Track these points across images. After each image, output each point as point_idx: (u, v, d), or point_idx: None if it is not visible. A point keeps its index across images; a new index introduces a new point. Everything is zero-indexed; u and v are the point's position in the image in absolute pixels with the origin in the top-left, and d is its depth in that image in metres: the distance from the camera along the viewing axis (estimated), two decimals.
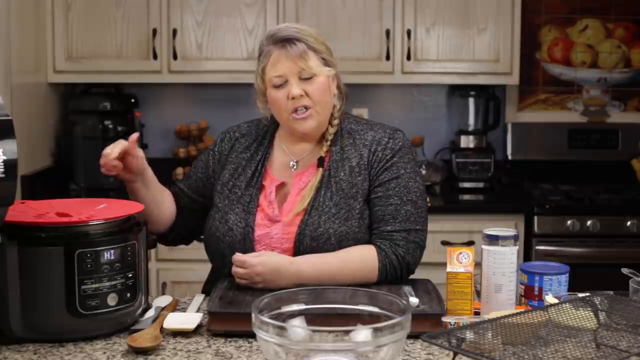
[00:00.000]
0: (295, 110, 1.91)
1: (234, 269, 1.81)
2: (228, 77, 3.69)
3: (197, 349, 1.57)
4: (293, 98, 1.89)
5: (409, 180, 1.94)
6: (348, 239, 1.89)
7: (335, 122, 1.99)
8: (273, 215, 1.93)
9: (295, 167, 1.99)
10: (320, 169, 1.95)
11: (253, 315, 1.35)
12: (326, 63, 1.94)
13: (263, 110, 2.01)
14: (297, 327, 1.38)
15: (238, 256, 1.81)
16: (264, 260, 1.80)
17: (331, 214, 1.90)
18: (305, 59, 1.90)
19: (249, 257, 1.80)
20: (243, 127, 2.10)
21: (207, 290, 1.99)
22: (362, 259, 1.86)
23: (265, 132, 2.06)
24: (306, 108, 1.91)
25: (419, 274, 1.96)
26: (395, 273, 1.87)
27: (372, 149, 1.95)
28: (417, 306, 1.66)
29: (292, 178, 1.98)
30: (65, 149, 3.74)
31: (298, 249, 1.89)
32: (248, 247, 1.91)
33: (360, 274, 1.84)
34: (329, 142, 1.97)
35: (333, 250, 1.88)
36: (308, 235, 1.89)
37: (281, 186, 1.98)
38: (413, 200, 1.92)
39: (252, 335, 1.42)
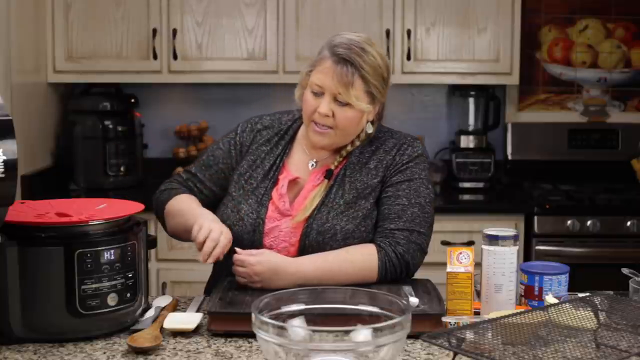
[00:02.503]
0: (316, 122, 1.91)
1: (234, 267, 1.81)
2: (228, 77, 3.69)
3: (197, 349, 1.57)
4: (319, 113, 1.89)
5: (421, 185, 1.94)
6: (354, 237, 1.89)
7: (358, 142, 1.98)
8: (284, 209, 1.93)
9: (314, 166, 1.99)
10: (326, 180, 1.95)
11: (253, 315, 1.35)
12: (371, 96, 1.90)
13: (298, 100, 1.99)
14: (297, 327, 1.38)
15: (238, 255, 1.81)
16: (263, 260, 1.80)
17: (340, 211, 1.90)
18: (347, 87, 1.85)
19: (248, 257, 1.80)
20: (265, 120, 2.07)
21: (209, 289, 2.00)
22: (362, 257, 1.86)
23: (289, 127, 2.05)
24: (327, 127, 1.90)
25: (418, 273, 1.96)
26: (395, 271, 1.87)
27: (392, 155, 1.96)
28: (417, 306, 1.66)
29: (309, 174, 1.98)
30: (65, 149, 3.74)
31: (304, 243, 1.89)
32: (257, 238, 1.91)
33: (361, 273, 1.84)
34: (341, 158, 1.97)
35: (337, 246, 1.88)
36: (315, 230, 1.89)
37: (294, 181, 1.97)
38: (421, 204, 1.92)
39: (252, 335, 1.42)
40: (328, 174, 1.95)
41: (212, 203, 2.04)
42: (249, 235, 1.91)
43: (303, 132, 2.02)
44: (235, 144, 2.05)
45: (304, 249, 1.90)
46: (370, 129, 1.96)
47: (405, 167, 1.95)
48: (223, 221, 1.95)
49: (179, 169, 3.79)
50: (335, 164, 1.97)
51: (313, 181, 1.97)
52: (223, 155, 2.05)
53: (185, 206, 1.96)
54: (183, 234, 1.95)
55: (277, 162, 2.00)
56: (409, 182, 1.94)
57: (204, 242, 1.76)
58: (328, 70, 1.87)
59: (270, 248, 1.91)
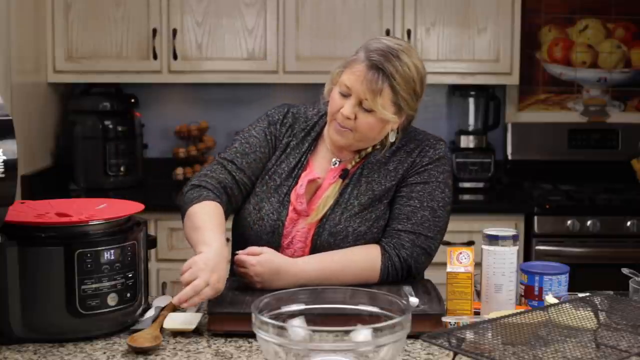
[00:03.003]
0: (337, 121, 1.88)
1: (235, 267, 1.81)
2: (228, 77, 3.69)
3: (197, 349, 1.57)
4: (341, 113, 1.86)
5: (436, 188, 1.91)
6: (365, 239, 1.89)
7: (379, 147, 1.94)
8: (301, 210, 1.92)
9: (336, 164, 1.97)
10: (341, 180, 1.93)
11: (253, 315, 1.35)
12: (398, 107, 1.86)
13: (326, 95, 1.96)
14: (297, 327, 1.38)
15: (239, 256, 1.80)
16: (263, 260, 1.79)
17: (353, 212, 1.89)
18: (374, 95, 1.82)
19: (248, 257, 1.79)
20: (294, 112, 2.03)
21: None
22: (366, 259, 1.85)
23: (315, 123, 2.01)
24: (347, 128, 1.87)
25: None
26: (397, 274, 1.86)
27: (412, 157, 1.93)
28: (417, 306, 1.66)
29: (327, 172, 1.96)
30: (65, 149, 3.74)
31: (315, 243, 1.89)
32: (275, 240, 1.90)
33: (363, 274, 1.84)
34: (360, 159, 1.95)
35: (348, 247, 1.87)
36: (327, 230, 1.88)
37: (314, 180, 1.95)
38: (433, 208, 1.90)
39: (252, 335, 1.42)
40: (344, 174, 1.94)
41: (244, 196, 1.97)
42: (267, 236, 1.90)
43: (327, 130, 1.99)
44: (270, 134, 2.00)
45: (314, 249, 1.89)
46: (393, 138, 1.92)
47: (424, 170, 1.92)
48: (244, 217, 1.94)
49: (179, 170, 3.80)
50: (353, 163, 1.95)
51: (329, 179, 1.95)
52: (259, 143, 1.99)
53: (203, 222, 1.81)
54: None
55: (302, 159, 1.97)
56: (424, 185, 1.91)
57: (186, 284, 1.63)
58: (359, 74, 1.83)
59: (287, 248, 1.90)
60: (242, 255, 1.80)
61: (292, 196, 1.93)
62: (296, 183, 1.95)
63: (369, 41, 1.90)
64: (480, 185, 3.80)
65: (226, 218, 1.92)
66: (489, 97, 3.91)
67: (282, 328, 1.33)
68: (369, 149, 1.96)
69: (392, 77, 1.83)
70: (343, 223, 1.89)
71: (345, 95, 1.86)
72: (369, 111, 1.85)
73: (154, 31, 3.62)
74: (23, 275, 1.56)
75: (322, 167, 1.97)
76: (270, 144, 2.00)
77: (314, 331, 1.35)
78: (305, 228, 1.91)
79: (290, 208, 1.92)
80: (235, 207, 1.97)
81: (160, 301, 1.82)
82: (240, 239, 1.98)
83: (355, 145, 1.93)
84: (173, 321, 1.67)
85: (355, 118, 1.86)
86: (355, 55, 1.88)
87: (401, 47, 1.87)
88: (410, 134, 1.98)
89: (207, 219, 1.83)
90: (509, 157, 4.00)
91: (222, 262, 1.70)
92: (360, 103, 1.85)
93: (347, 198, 1.91)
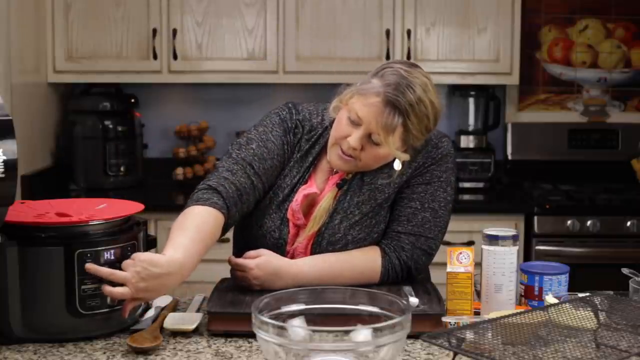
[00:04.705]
0: (342, 148, 1.82)
1: (234, 272, 1.80)
2: (228, 77, 3.69)
3: (197, 349, 1.57)
4: (348, 142, 1.80)
5: (438, 189, 1.89)
6: (364, 244, 1.87)
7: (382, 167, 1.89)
8: (299, 224, 1.89)
9: (337, 172, 1.91)
10: (337, 189, 1.88)
11: (253, 315, 1.35)
12: (406, 143, 1.81)
13: (332, 112, 1.88)
14: (297, 327, 1.38)
15: (236, 260, 1.79)
16: (261, 263, 1.78)
17: (354, 220, 1.87)
18: (387, 132, 1.76)
19: (247, 261, 1.78)
20: (301, 120, 1.93)
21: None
22: (365, 262, 1.85)
23: (319, 135, 1.93)
24: (351, 157, 1.82)
25: None
26: (397, 276, 1.86)
27: (417, 162, 1.88)
28: (417, 306, 1.66)
29: (326, 182, 1.92)
30: (65, 149, 3.74)
31: (314, 251, 1.87)
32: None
33: (363, 275, 1.83)
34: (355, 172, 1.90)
35: None
36: (326, 239, 1.86)
37: (309, 195, 1.90)
38: (434, 209, 1.88)
39: (252, 335, 1.42)
40: (342, 183, 1.89)
41: (255, 203, 1.89)
42: None
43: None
44: (287, 144, 1.91)
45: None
46: (399, 167, 1.85)
47: (427, 170, 1.88)
48: (247, 225, 1.91)
49: (179, 170, 3.80)
50: (350, 175, 1.89)
51: (329, 187, 1.90)
52: (277, 151, 1.89)
53: (190, 227, 1.70)
54: None
55: (305, 174, 1.91)
56: (426, 186, 1.88)
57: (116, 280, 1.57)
58: (374, 109, 1.76)
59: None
60: (239, 259, 1.79)
61: (289, 213, 1.88)
62: None
63: (385, 69, 1.80)
64: (480, 185, 3.80)
65: (229, 229, 1.84)
66: (489, 97, 3.91)
67: (282, 328, 1.33)
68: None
69: (407, 117, 1.76)
70: (342, 232, 1.86)
71: (354, 123, 1.79)
72: (377, 144, 1.79)
73: (154, 31, 3.62)
74: (23, 275, 1.56)
75: (323, 179, 1.92)
76: (286, 154, 1.91)
77: (314, 331, 1.35)
78: (304, 240, 1.88)
79: (291, 225, 1.89)
80: (246, 212, 1.88)
81: (160, 301, 1.82)
82: (241, 246, 1.94)
83: (357, 171, 1.88)
84: (173, 321, 1.67)
85: (362, 149, 1.81)
86: (371, 84, 1.78)
87: (418, 80, 1.79)
88: None
89: (195, 228, 1.70)
90: (509, 157, 4.00)
91: (167, 279, 1.58)
92: (369, 135, 1.79)
93: (347, 206, 1.88)
